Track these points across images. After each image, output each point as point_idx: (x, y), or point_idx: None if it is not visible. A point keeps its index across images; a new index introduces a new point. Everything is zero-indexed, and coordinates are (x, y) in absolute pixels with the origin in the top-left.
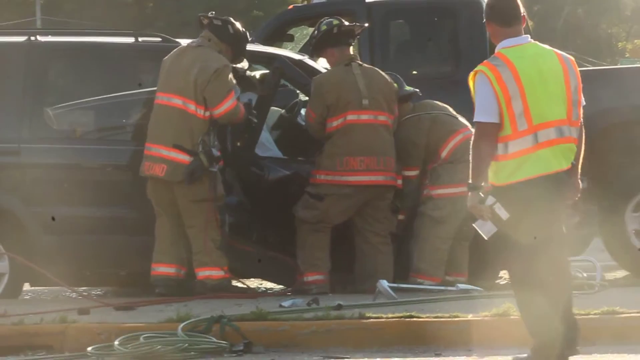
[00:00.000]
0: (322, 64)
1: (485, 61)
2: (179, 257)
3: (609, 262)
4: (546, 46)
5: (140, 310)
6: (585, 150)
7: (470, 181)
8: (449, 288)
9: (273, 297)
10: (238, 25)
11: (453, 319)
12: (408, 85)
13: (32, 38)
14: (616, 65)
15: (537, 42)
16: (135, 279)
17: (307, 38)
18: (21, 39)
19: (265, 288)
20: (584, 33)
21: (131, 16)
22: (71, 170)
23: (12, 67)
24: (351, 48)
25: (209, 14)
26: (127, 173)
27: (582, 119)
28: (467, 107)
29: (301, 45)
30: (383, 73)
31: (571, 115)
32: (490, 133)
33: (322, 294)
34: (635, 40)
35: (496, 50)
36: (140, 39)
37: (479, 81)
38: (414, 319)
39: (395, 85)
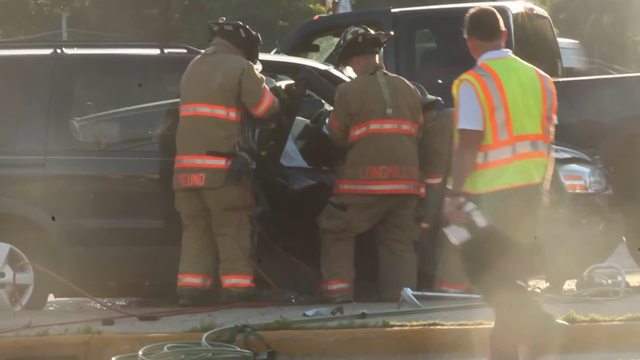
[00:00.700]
0: (348, 74)
1: (470, 70)
2: (206, 267)
3: (634, 269)
4: (525, 62)
5: (164, 320)
6: (610, 157)
7: (450, 187)
8: (474, 296)
9: (297, 305)
10: (249, 28)
11: (477, 327)
12: (433, 95)
13: (58, 50)
14: None
15: (517, 57)
16: (159, 289)
17: (333, 48)
18: (47, 51)
19: (290, 297)
20: (609, 41)
21: (156, 28)
22: (95, 182)
23: (39, 80)
24: (377, 57)
25: (220, 20)
26: (151, 184)
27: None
28: None
29: (327, 56)
30: (408, 82)
31: (545, 130)
32: (474, 141)
33: (346, 303)
34: None
35: (479, 62)
36: (166, 51)
37: (464, 89)
38: (438, 327)
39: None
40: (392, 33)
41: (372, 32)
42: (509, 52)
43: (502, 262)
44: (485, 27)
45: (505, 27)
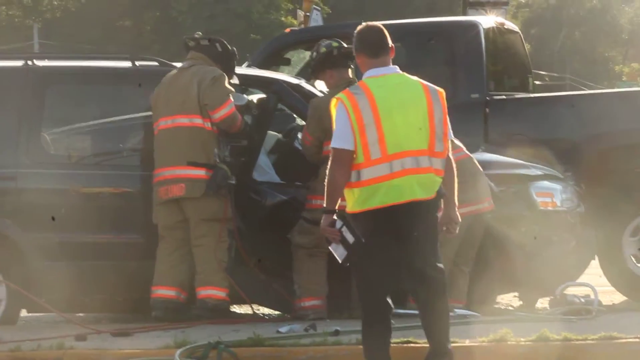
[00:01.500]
0: (320, 87)
1: (346, 89)
2: (180, 280)
3: (607, 287)
4: (414, 78)
5: (137, 336)
6: (582, 174)
7: (324, 205)
8: (458, 312)
9: (270, 322)
10: (225, 43)
11: (454, 345)
12: None
13: (29, 62)
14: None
15: (404, 74)
16: (132, 305)
17: (304, 62)
18: (18, 63)
19: (262, 313)
20: (581, 56)
21: (128, 40)
22: (68, 196)
23: (10, 92)
24: (350, 71)
25: (195, 35)
26: (124, 198)
27: (449, 151)
28: (462, 129)
29: (298, 69)
30: None
31: (433, 146)
32: (343, 159)
33: (319, 320)
34: (632, 64)
35: (360, 80)
36: (137, 63)
37: (337, 109)
38: (412, 345)
39: None
40: None
41: (346, 45)
42: (396, 68)
43: (371, 277)
44: (370, 43)
45: (476, 42)
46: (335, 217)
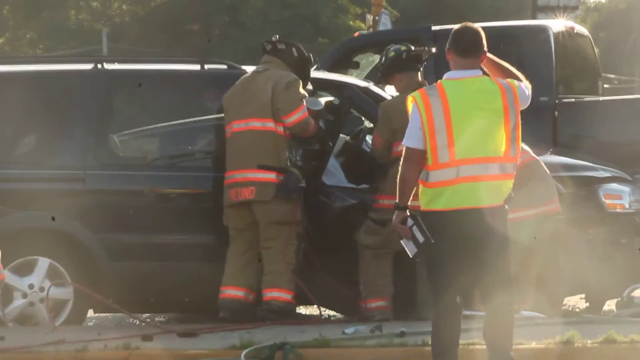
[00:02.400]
0: (389, 92)
1: (422, 88)
2: (249, 281)
3: None
4: (495, 81)
5: (203, 337)
6: None
7: (396, 201)
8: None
9: (336, 324)
10: (301, 48)
11: (516, 347)
12: None
13: (99, 65)
14: None
15: (485, 78)
16: (198, 306)
17: (373, 65)
18: (88, 66)
19: (328, 315)
20: None
21: (196, 44)
22: (137, 197)
23: (79, 94)
24: (419, 74)
25: (273, 38)
26: (192, 200)
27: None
28: (531, 132)
29: (367, 72)
30: None
31: (508, 152)
32: (414, 158)
33: (385, 321)
34: None
35: (439, 80)
36: (206, 66)
37: (411, 108)
38: (477, 346)
39: None
40: (433, 50)
41: (414, 48)
42: (478, 72)
43: (435, 279)
44: (461, 43)
45: (545, 46)
46: (407, 213)
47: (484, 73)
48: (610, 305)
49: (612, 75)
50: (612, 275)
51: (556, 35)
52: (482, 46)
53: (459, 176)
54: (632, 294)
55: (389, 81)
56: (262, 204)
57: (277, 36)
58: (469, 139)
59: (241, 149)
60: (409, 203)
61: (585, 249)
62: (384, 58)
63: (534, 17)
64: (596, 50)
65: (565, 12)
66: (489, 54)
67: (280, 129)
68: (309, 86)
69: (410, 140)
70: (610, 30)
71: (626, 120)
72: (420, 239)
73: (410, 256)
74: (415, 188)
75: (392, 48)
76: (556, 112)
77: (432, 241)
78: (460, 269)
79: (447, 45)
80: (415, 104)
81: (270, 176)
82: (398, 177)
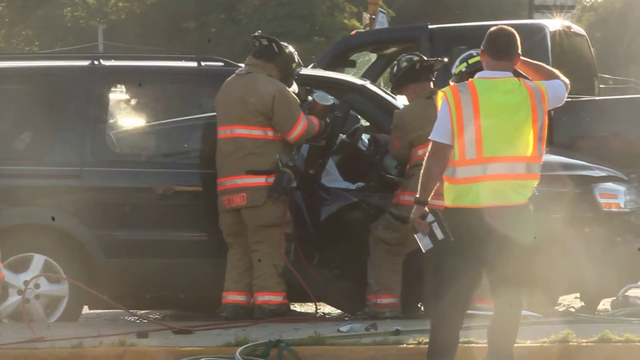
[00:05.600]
0: (402, 102)
1: (453, 84)
2: (250, 285)
3: None
4: (525, 83)
5: (198, 334)
6: None
7: (417, 195)
8: None
9: (331, 321)
10: (284, 45)
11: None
12: None
13: (96, 62)
14: None
15: (516, 79)
16: (194, 302)
17: (369, 64)
18: (85, 63)
19: (323, 312)
20: None
21: (193, 41)
22: (132, 194)
23: (76, 91)
24: (431, 84)
25: (256, 33)
26: (187, 196)
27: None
28: None
29: (363, 71)
30: None
31: (536, 152)
32: (440, 153)
33: (395, 318)
34: None
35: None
36: (203, 64)
37: (440, 102)
38: (473, 345)
39: None
40: (445, 59)
41: (426, 58)
42: (509, 74)
43: (442, 275)
44: (495, 45)
45: (542, 45)
46: (427, 209)
47: (516, 75)
48: (605, 304)
49: (607, 76)
50: (608, 274)
51: (553, 34)
52: (517, 48)
53: (486, 174)
54: (627, 293)
55: (402, 91)
56: (251, 208)
57: (260, 31)
58: (497, 137)
59: (227, 156)
60: (429, 199)
61: (580, 248)
62: (395, 69)
63: (530, 17)
64: (592, 50)
65: (562, 11)
66: (522, 57)
67: (269, 133)
68: (294, 87)
69: (438, 134)
70: (605, 31)
71: (622, 120)
72: (440, 236)
73: (424, 251)
74: (437, 185)
75: (403, 58)
76: (552, 112)
77: (452, 239)
78: (469, 268)
79: (481, 46)
80: (446, 100)
81: (260, 180)
82: (422, 171)
